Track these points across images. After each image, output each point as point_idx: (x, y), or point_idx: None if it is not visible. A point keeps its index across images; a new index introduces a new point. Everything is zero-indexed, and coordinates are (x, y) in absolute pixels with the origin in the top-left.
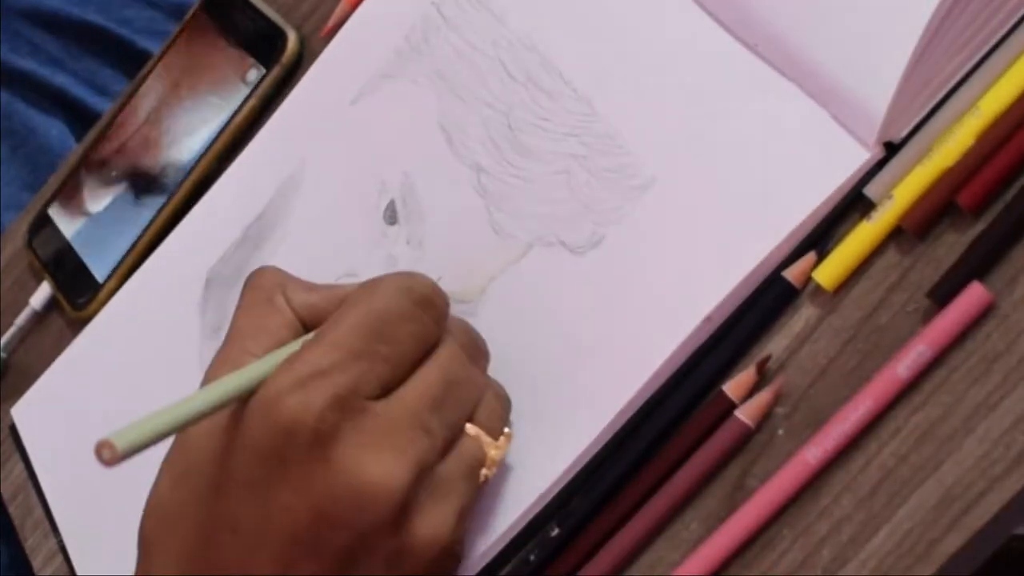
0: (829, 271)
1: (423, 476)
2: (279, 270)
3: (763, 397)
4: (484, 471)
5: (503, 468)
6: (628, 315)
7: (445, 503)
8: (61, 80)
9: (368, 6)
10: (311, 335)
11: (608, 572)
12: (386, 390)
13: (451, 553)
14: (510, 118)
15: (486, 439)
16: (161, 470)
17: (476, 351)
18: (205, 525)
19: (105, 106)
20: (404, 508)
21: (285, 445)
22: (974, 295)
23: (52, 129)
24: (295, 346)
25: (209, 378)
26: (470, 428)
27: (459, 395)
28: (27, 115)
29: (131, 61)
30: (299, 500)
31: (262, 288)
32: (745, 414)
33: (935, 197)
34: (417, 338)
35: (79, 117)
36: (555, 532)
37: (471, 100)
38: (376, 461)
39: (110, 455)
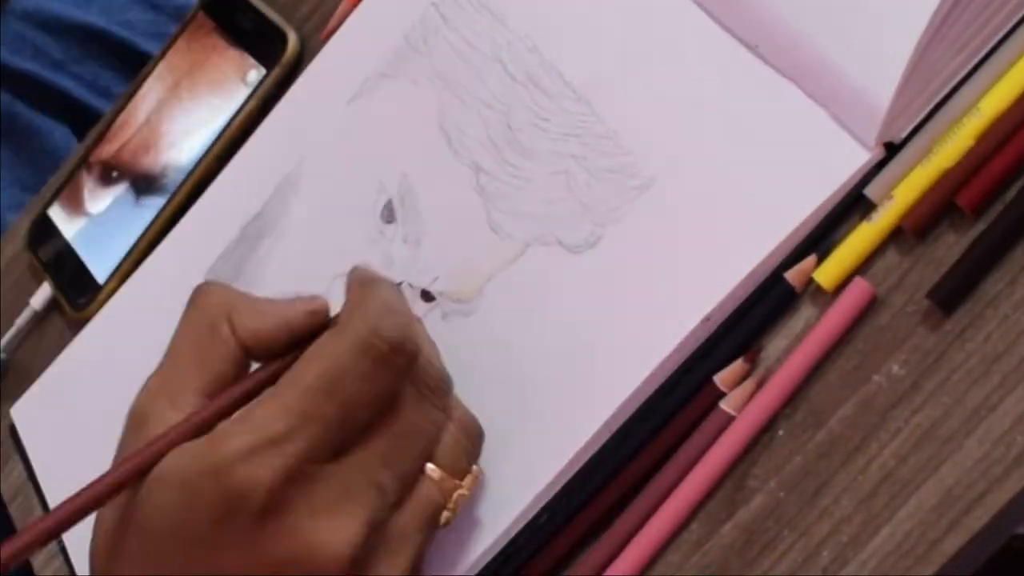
0: (829, 272)
1: (376, 532)
2: (226, 289)
3: (746, 386)
4: (446, 513)
5: (500, 471)
6: (626, 315)
7: (397, 556)
8: (64, 83)
9: (367, 5)
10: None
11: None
12: (338, 450)
13: None
14: (509, 118)
15: (447, 482)
16: (111, 503)
17: (432, 386)
18: (156, 573)
19: (108, 109)
20: (355, 567)
21: (235, 511)
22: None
23: (55, 132)
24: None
25: (144, 406)
26: (430, 470)
27: (412, 442)
28: (30, 117)
29: (134, 64)
30: (248, 564)
31: (206, 311)
32: (729, 404)
33: (935, 198)
34: (372, 398)
35: (82, 120)
36: (543, 522)
37: (470, 100)
38: (327, 527)
39: None
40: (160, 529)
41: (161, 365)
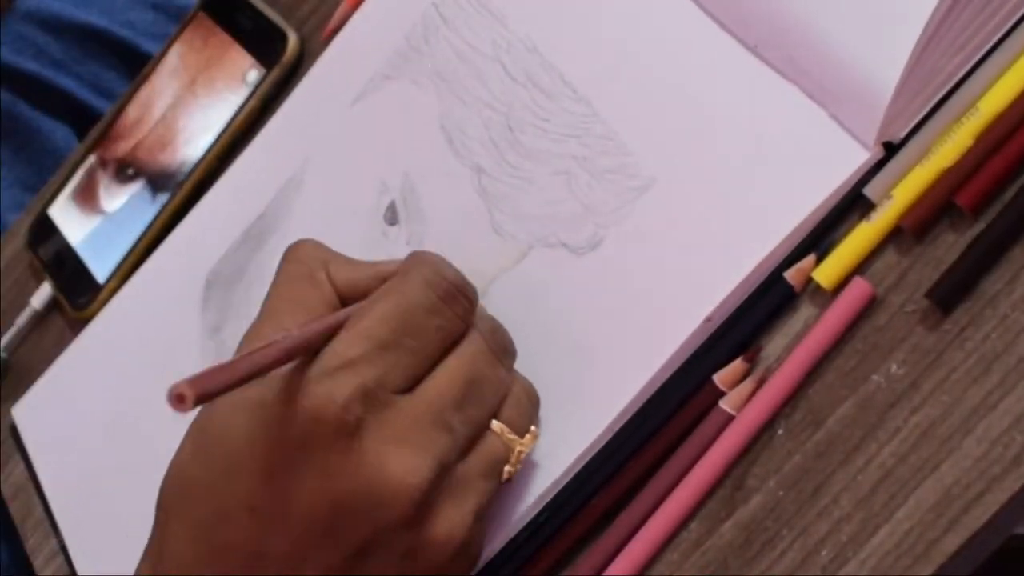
0: (828, 271)
1: (443, 474)
2: (320, 244)
3: (746, 386)
4: (508, 468)
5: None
6: (628, 316)
7: (463, 502)
8: (65, 83)
9: (368, 7)
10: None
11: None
12: (410, 383)
13: (467, 553)
14: (510, 119)
15: (510, 436)
16: (185, 437)
17: (501, 347)
18: (223, 501)
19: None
20: (422, 506)
21: (310, 432)
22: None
23: (56, 131)
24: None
25: (240, 351)
26: (495, 425)
27: (482, 392)
28: (31, 117)
29: (135, 64)
30: (319, 488)
31: (302, 262)
32: (728, 404)
33: (934, 197)
34: (443, 332)
35: (84, 120)
36: (543, 521)
37: (471, 101)
38: (398, 457)
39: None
40: (233, 453)
41: (259, 315)
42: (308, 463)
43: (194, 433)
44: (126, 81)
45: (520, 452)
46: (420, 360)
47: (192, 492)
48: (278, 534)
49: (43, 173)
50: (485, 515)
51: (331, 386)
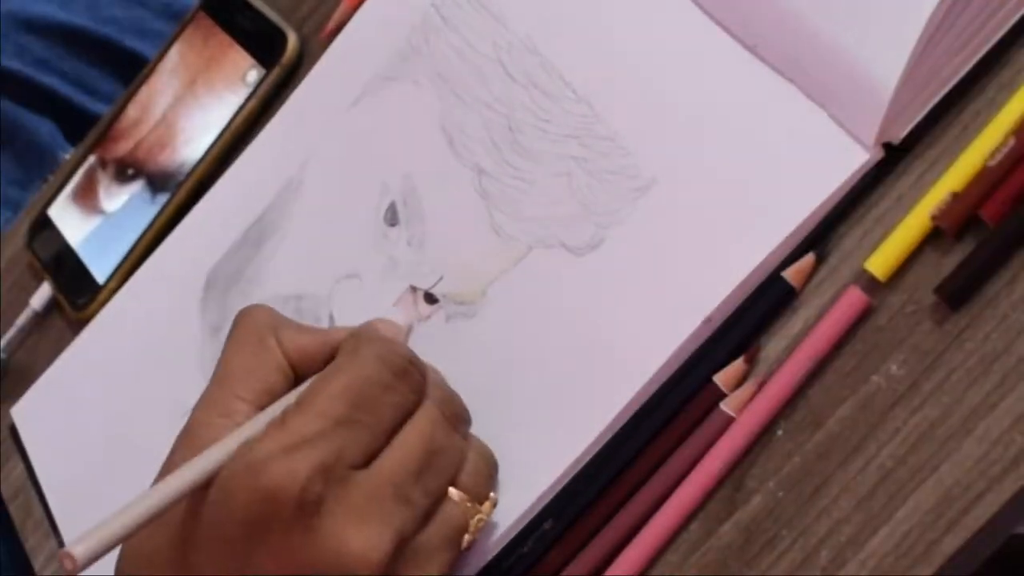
0: (881, 261)
1: (403, 546)
2: (271, 309)
3: (747, 389)
4: (467, 537)
5: (503, 472)
6: (628, 316)
7: (424, 572)
8: (48, 80)
9: (369, 7)
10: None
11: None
12: (367, 459)
13: None
14: (511, 120)
15: (469, 504)
16: None
17: (456, 415)
18: None
19: (94, 106)
20: None
21: (269, 511)
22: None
23: (41, 127)
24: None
25: (196, 418)
26: (453, 493)
27: (440, 462)
28: (15, 113)
29: (119, 61)
30: (280, 566)
31: (253, 327)
32: (729, 406)
33: (970, 202)
34: (396, 407)
35: (68, 116)
36: (548, 526)
37: (472, 102)
38: (358, 533)
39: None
40: (191, 531)
41: (211, 381)
42: (267, 542)
43: None
44: (110, 78)
45: (480, 520)
46: (376, 435)
47: (153, 564)
48: None
49: (29, 168)
50: None
51: (290, 464)
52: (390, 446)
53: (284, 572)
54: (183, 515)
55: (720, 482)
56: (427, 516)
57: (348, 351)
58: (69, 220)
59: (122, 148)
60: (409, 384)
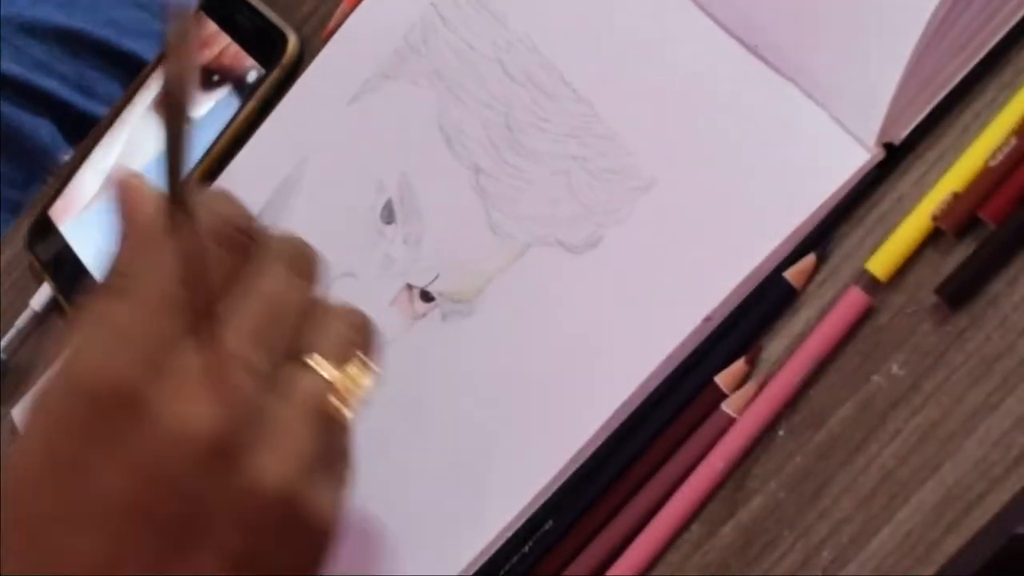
0: (881, 261)
1: (249, 417)
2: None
3: (748, 390)
4: (337, 404)
5: (500, 470)
6: (627, 316)
7: (280, 447)
8: (47, 83)
9: (367, 6)
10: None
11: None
12: (197, 327)
13: (306, 516)
14: (509, 119)
15: (332, 370)
16: None
17: (306, 266)
18: (31, 518)
19: (93, 108)
20: (229, 455)
21: (93, 412)
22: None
23: (41, 129)
24: None
25: None
26: (311, 359)
27: (285, 320)
28: (14, 116)
29: (117, 63)
30: (118, 469)
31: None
32: (730, 407)
33: (970, 202)
34: (225, 276)
35: (68, 118)
36: (548, 526)
37: (470, 101)
38: (193, 409)
39: None
40: (31, 460)
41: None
42: (101, 448)
43: None
44: (109, 80)
45: (347, 386)
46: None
47: (3, 516)
48: (93, 536)
49: (30, 170)
50: (316, 464)
51: (102, 357)
52: (224, 311)
53: (126, 472)
54: (25, 450)
55: (721, 483)
56: (278, 384)
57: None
58: (69, 220)
59: (120, 149)
60: (237, 248)
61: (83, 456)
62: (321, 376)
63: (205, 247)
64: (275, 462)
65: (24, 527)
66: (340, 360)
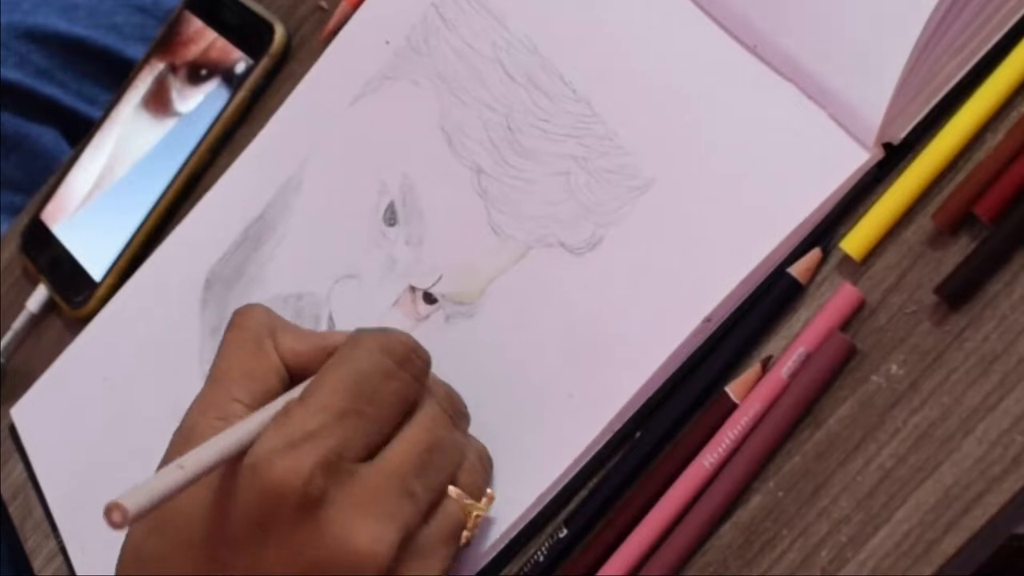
0: (856, 241)
1: (407, 541)
2: (267, 310)
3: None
4: (466, 532)
5: (503, 471)
6: (628, 316)
7: (427, 568)
8: (49, 91)
9: (368, 7)
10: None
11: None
12: (370, 452)
13: None
14: (510, 119)
15: (468, 501)
16: None
17: (457, 412)
18: None
19: (97, 113)
20: (389, 572)
21: (274, 507)
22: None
23: (44, 135)
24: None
25: (193, 419)
26: (452, 491)
27: (442, 458)
28: (18, 123)
29: (120, 70)
30: (287, 562)
31: (250, 329)
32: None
33: (964, 199)
34: (399, 396)
35: (72, 124)
36: (563, 534)
37: (471, 101)
38: (363, 526)
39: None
40: (188, 527)
41: (207, 382)
42: (271, 538)
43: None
44: (112, 87)
45: (478, 517)
46: (379, 427)
47: (156, 564)
48: None
49: (34, 175)
50: None
51: (294, 460)
52: (395, 439)
53: (291, 570)
54: (186, 516)
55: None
56: (429, 511)
57: (349, 344)
58: (63, 221)
59: (112, 147)
60: (411, 371)
61: (255, 540)
62: (460, 507)
63: (384, 363)
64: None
65: None
66: (475, 494)
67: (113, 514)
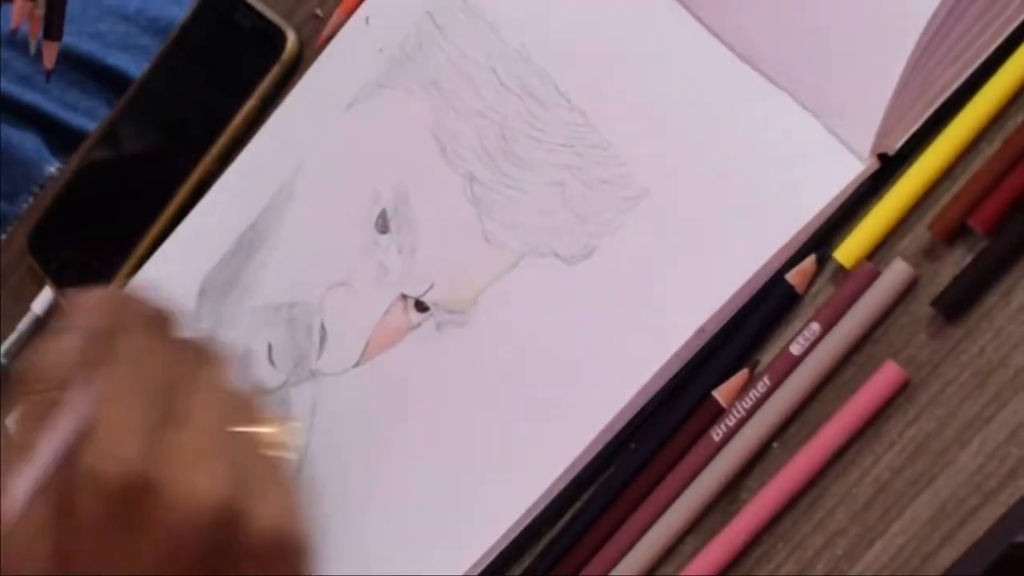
0: (848, 251)
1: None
2: None
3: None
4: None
5: (495, 480)
6: (621, 326)
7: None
8: (31, 97)
9: (363, 14)
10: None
11: None
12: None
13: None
14: (504, 128)
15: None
16: None
17: (158, 322)
18: None
19: (79, 121)
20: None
21: (115, 505)
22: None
23: (26, 142)
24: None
25: None
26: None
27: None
28: None
29: (102, 78)
30: (148, 548)
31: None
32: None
33: (959, 211)
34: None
35: (53, 131)
36: (550, 542)
37: (464, 110)
38: (199, 479)
39: None
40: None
41: None
42: (134, 532)
43: None
44: (93, 95)
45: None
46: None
47: None
48: None
49: (16, 181)
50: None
51: (109, 452)
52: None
53: (162, 547)
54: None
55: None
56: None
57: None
58: (69, 224)
59: (121, 150)
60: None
61: (115, 546)
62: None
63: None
64: (271, 505)
65: None
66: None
67: None
